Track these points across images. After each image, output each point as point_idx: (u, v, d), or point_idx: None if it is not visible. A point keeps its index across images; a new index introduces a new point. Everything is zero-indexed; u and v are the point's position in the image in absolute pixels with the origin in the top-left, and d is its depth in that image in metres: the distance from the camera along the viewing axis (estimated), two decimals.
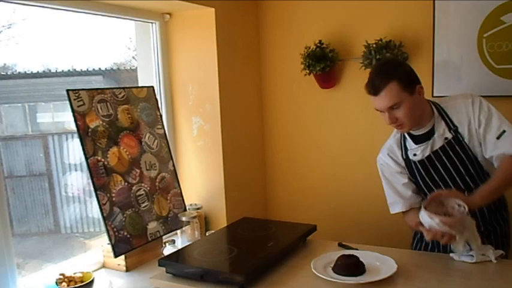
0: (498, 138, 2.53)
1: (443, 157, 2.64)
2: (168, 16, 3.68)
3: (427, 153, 2.66)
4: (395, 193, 2.84)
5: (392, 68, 2.54)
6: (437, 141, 2.64)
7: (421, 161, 2.69)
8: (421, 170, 2.70)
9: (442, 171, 2.67)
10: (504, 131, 2.52)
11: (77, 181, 3.78)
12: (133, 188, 3.06)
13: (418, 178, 2.74)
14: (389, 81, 2.46)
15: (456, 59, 3.43)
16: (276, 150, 4.28)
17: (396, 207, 2.85)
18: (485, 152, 2.58)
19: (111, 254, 2.82)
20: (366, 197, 3.80)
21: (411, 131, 2.68)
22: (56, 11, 2.94)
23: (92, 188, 2.81)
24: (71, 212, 3.88)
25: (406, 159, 2.76)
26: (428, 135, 2.65)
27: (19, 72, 3.59)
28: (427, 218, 2.30)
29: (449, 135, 2.61)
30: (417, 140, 2.69)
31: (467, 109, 2.59)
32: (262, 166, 4.32)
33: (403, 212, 2.84)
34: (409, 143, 2.73)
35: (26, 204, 3.78)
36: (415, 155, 2.70)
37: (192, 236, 3.33)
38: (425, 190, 2.76)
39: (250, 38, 4.08)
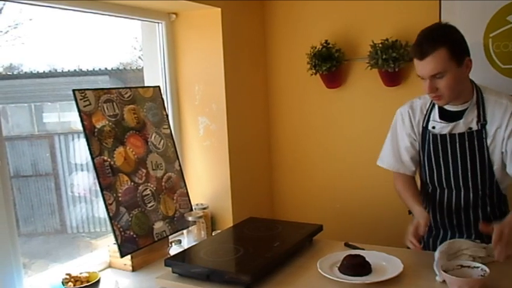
0: None
1: (458, 144, 2.55)
2: (174, 16, 3.69)
3: (444, 132, 2.57)
4: (393, 150, 2.80)
5: (444, 34, 2.41)
6: (460, 127, 2.54)
7: (435, 136, 2.60)
8: (432, 145, 2.63)
9: (450, 156, 2.59)
10: None
11: (83, 181, 3.78)
12: (140, 187, 3.06)
13: (426, 152, 2.67)
14: (438, 46, 2.33)
15: None
16: (282, 150, 4.27)
17: (385, 162, 2.85)
18: (509, 165, 2.50)
19: (117, 254, 2.83)
20: (372, 197, 3.80)
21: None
22: (62, 11, 2.94)
23: (98, 188, 2.81)
24: (77, 211, 3.88)
25: (424, 128, 2.67)
26: (456, 116, 2.55)
27: (25, 72, 3.60)
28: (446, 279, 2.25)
29: (474, 127, 2.51)
30: (443, 115, 2.60)
31: (505, 112, 2.47)
32: (268, 166, 4.32)
33: (394, 175, 2.84)
34: (434, 115, 2.63)
35: (32, 204, 3.79)
36: (433, 127, 2.62)
37: (198, 236, 3.33)
38: (427, 168, 2.71)
39: (257, 38, 4.08)
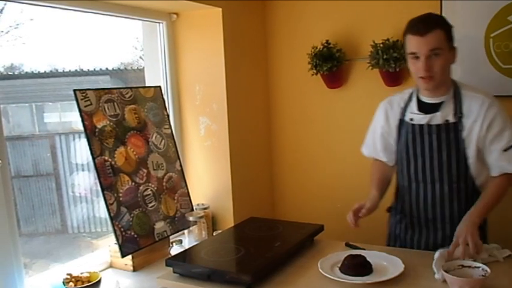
0: (505, 150, 2.54)
1: (434, 134, 2.62)
2: (175, 16, 3.69)
3: (422, 122, 2.65)
4: (372, 138, 2.97)
5: (440, 18, 2.61)
6: (437, 118, 2.61)
7: (413, 126, 2.68)
8: (409, 135, 2.70)
9: (427, 146, 2.65)
10: None
11: (84, 181, 3.78)
12: (141, 187, 3.06)
13: (403, 143, 2.75)
14: (437, 27, 2.49)
15: (463, 59, 3.41)
16: (283, 150, 4.27)
17: (366, 149, 3.03)
18: (488, 159, 2.60)
19: (118, 254, 2.83)
20: None
21: (421, 96, 2.70)
22: (63, 11, 2.94)
23: (99, 188, 2.81)
24: (78, 212, 3.89)
25: (401, 121, 2.77)
26: (433, 109, 2.64)
27: (26, 72, 3.61)
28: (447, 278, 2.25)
29: (451, 119, 2.59)
30: (421, 107, 2.68)
31: (480, 108, 2.55)
32: (269, 166, 4.32)
33: (372, 162, 3.01)
34: (412, 106, 2.72)
35: (33, 204, 3.80)
36: (411, 119, 2.69)
37: (199, 236, 3.33)
38: (404, 160, 2.77)
39: (257, 38, 4.08)
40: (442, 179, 2.66)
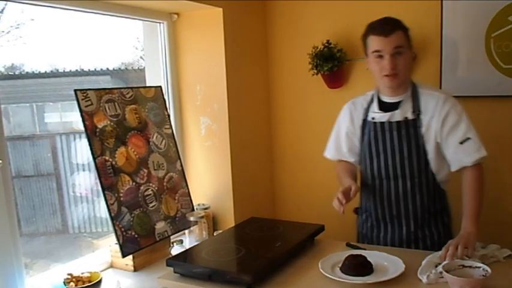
0: (461, 143, 2.64)
1: (395, 131, 2.74)
2: (175, 16, 3.69)
3: (383, 120, 2.77)
4: (336, 142, 3.08)
5: (399, 21, 2.72)
6: (397, 116, 2.73)
7: (375, 124, 2.80)
8: (372, 133, 2.81)
9: (388, 143, 2.77)
10: (469, 138, 2.63)
11: (84, 181, 3.78)
12: (141, 188, 3.06)
13: (366, 142, 2.86)
14: (398, 28, 2.66)
15: (464, 59, 3.42)
16: (283, 151, 4.27)
17: (329, 153, 3.14)
18: (446, 153, 2.71)
19: (119, 254, 2.83)
20: None
21: (381, 96, 2.84)
22: (64, 11, 2.95)
23: (100, 188, 2.81)
24: (78, 212, 3.88)
25: (364, 121, 2.89)
26: (393, 107, 2.76)
27: (27, 72, 3.60)
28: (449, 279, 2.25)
29: (410, 116, 2.71)
30: (382, 106, 2.81)
31: (436, 104, 2.68)
32: (269, 166, 4.32)
33: (336, 163, 3.13)
34: (374, 107, 2.84)
35: (33, 204, 3.79)
36: (373, 118, 2.82)
37: (199, 236, 3.33)
38: (367, 158, 2.88)
39: (258, 38, 4.08)
40: (404, 175, 2.76)
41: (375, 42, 2.67)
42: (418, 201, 2.77)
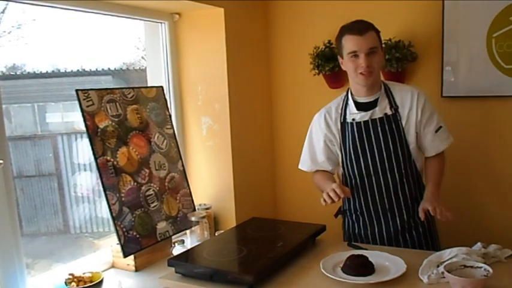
0: (436, 131, 2.88)
1: (379, 127, 2.86)
2: (177, 16, 3.69)
3: (365, 119, 2.88)
4: (310, 153, 3.14)
5: (371, 23, 2.82)
6: (377, 113, 2.87)
7: (358, 124, 2.90)
8: (355, 133, 2.91)
9: (373, 140, 2.87)
10: (441, 127, 2.89)
11: (86, 181, 3.78)
12: (143, 188, 3.06)
13: (350, 143, 2.94)
14: (371, 29, 2.77)
15: (465, 59, 3.42)
16: (285, 151, 4.27)
17: (304, 165, 3.19)
18: (423, 141, 2.91)
19: (121, 254, 2.83)
20: None
21: (356, 98, 2.94)
22: (65, 11, 2.95)
23: (101, 188, 2.81)
24: (80, 212, 3.88)
25: (343, 123, 2.97)
26: (370, 106, 2.89)
27: (28, 72, 3.61)
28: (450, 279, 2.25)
29: (389, 112, 2.86)
30: (359, 107, 2.92)
31: (412, 98, 2.86)
32: (271, 166, 4.32)
33: (312, 174, 3.17)
34: (351, 108, 2.95)
35: (35, 204, 3.80)
36: (353, 119, 2.92)
37: (201, 236, 3.33)
38: (353, 157, 2.94)
39: (260, 38, 4.08)
40: (392, 168, 2.88)
41: (351, 42, 2.77)
42: (407, 192, 2.90)
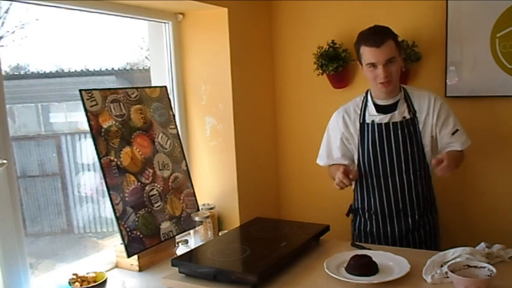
0: (453, 134, 2.97)
1: (399, 130, 2.96)
2: (181, 16, 3.69)
3: (385, 121, 2.98)
4: (327, 149, 3.24)
5: (388, 30, 2.89)
6: (396, 117, 2.97)
7: (379, 125, 2.99)
8: (376, 134, 3.00)
9: (393, 142, 2.97)
10: (457, 130, 2.98)
11: (89, 181, 3.78)
12: (146, 188, 3.07)
13: (369, 143, 3.03)
14: (388, 38, 2.83)
15: (469, 59, 3.42)
16: (289, 150, 4.27)
17: (321, 160, 3.31)
18: (440, 144, 3.01)
19: (124, 254, 2.83)
20: None
21: (376, 100, 3.03)
22: (69, 11, 2.95)
23: (105, 188, 2.81)
24: (83, 212, 3.88)
25: (362, 124, 3.06)
26: (390, 109, 2.99)
27: (32, 72, 3.60)
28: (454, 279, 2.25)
29: (407, 116, 2.97)
30: (379, 109, 3.02)
31: (429, 102, 2.97)
32: (275, 166, 4.32)
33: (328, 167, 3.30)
34: (370, 110, 3.04)
35: (38, 204, 3.79)
36: (373, 121, 3.01)
37: (205, 236, 3.33)
38: (371, 157, 3.04)
39: (263, 38, 4.08)
40: (408, 169, 2.99)
41: (368, 54, 2.85)
42: (420, 192, 3.02)
